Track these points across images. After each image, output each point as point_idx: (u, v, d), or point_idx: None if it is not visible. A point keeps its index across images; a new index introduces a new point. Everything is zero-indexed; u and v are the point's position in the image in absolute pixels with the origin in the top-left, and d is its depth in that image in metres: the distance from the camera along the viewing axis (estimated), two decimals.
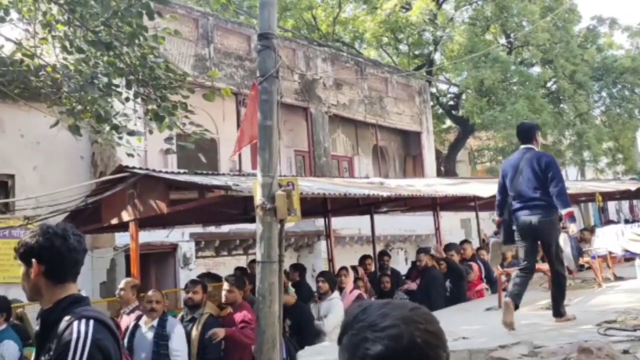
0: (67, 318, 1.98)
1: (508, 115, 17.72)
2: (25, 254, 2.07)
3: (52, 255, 2.06)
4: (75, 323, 1.95)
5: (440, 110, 24.03)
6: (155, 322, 5.25)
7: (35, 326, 2.18)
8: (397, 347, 1.02)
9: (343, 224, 13.60)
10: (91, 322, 1.97)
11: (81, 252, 2.15)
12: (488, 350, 4.10)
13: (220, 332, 5.36)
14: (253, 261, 8.22)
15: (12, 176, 10.04)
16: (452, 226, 17.61)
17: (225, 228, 12.19)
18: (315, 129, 15.61)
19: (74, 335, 1.92)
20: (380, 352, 1.03)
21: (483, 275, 8.59)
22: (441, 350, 1.06)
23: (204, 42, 13.25)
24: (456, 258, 8.20)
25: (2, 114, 9.89)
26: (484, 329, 5.28)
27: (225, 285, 5.74)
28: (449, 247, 8.78)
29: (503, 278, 7.11)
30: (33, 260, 2.04)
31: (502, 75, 18.77)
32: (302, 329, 5.92)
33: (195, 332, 5.48)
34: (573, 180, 20.44)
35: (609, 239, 8.52)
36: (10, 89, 8.18)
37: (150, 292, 5.53)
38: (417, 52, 23.09)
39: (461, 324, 5.46)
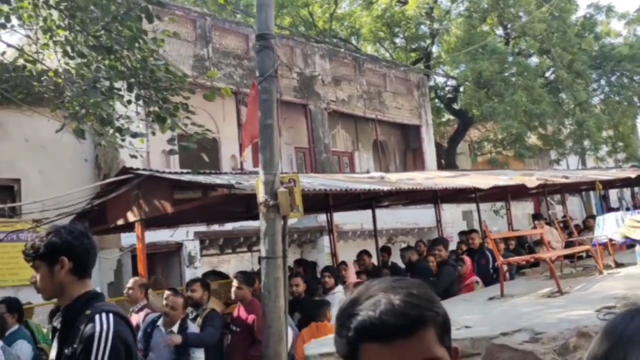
0: (87, 312, 2.10)
1: (507, 106, 17.79)
2: (51, 252, 2.15)
3: (81, 252, 2.19)
4: (97, 317, 2.07)
5: (439, 104, 24.09)
6: (175, 328, 5.22)
7: (54, 323, 2.29)
8: (375, 314, 1.02)
9: (345, 219, 13.71)
10: (111, 315, 2.10)
11: (96, 249, 2.30)
12: (490, 337, 4.20)
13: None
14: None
15: (17, 180, 10.16)
16: (454, 218, 17.72)
17: (229, 226, 12.30)
18: (315, 125, 15.70)
19: (97, 328, 2.04)
20: (359, 323, 1.02)
21: (490, 265, 8.59)
22: (426, 310, 1.05)
23: (202, 43, 13.34)
24: (444, 254, 7.99)
25: (6, 120, 10.01)
26: (486, 318, 5.38)
27: (235, 282, 5.84)
28: (436, 242, 8.59)
29: (504, 268, 7.19)
30: (63, 257, 2.15)
31: (500, 67, 18.83)
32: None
33: (197, 325, 5.57)
34: (574, 170, 20.52)
35: (609, 227, 8.61)
36: (13, 94, 8.28)
37: (170, 297, 5.30)
38: (414, 46, 23.14)
39: (463, 313, 5.56)
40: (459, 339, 4.25)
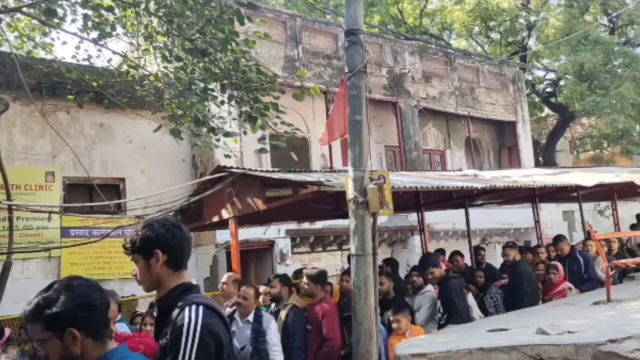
0: (179, 305, 2.12)
1: (612, 99, 16.67)
2: (146, 245, 2.20)
3: (174, 245, 2.22)
4: (187, 309, 2.07)
5: (537, 99, 23.01)
6: (251, 317, 5.33)
7: (154, 314, 2.35)
8: None
9: (437, 219, 13.40)
10: (201, 308, 2.09)
11: (191, 241, 2.33)
12: (596, 344, 3.91)
13: None
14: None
15: (123, 180, 10.84)
16: (554, 219, 16.84)
17: (320, 224, 12.39)
18: (405, 123, 15.49)
19: (186, 321, 2.03)
20: None
21: (583, 271, 7.99)
22: None
23: (292, 44, 13.54)
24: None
25: (112, 123, 10.69)
26: (591, 323, 5.02)
27: (304, 279, 5.99)
28: (424, 261, 7.13)
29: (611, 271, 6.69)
30: (157, 250, 2.19)
31: (604, 58, 17.66)
32: None
33: (280, 322, 5.65)
34: None
35: None
36: (118, 99, 8.82)
37: (243, 288, 5.59)
38: (510, 40, 22.27)
39: (566, 318, 5.23)
40: (561, 345, 3.99)
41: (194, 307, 2.09)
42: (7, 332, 5.82)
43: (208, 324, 2.07)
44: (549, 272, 7.55)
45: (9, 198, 7.94)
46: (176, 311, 2.11)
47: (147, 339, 1.98)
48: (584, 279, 7.85)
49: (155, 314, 2.35)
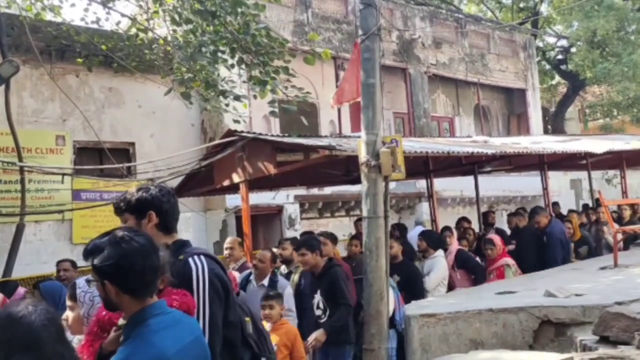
0: (180, 257, 2.24)
1: (624, 67, 16.47)
2: (141, 206, 2.28)
3: (167, 209, 2.32)
4: (190, 259, 2.22)
5: (548, 66, 22.75)
6: (265, 282, 5.36)
7: None
8: None
9: (444, 186, 13.43)
10: (202, 256, 2.25)
11: (179, 209, 2.43)
12: (603, 306, 3.97)
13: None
14: (359, 219, 8.38)
15: (132, 144, 10.87)
16: (561, 187, 16.83)
17: (328, 190, 12.45)
18: (414, 89, 15.38)
19: (193, 269, 2.19)
20: None
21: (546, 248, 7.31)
22: None
23: (302, 8, 13.37)
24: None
25: (121, 87, 10.66)
26: (598, 287, 5.10)
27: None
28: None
29: (619, 236, 6.73)
30: (151, 212, 2.28)
31: (617, 24, 17.37)
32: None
33: (292, 284, 5.68)
34: None
35: None
36: (127, 62, 8.78)
37: (260, 251, 5.70)
38: (521, 5, 21.90)
39: (572, 282, 5.31)
40: (568, 307, 4.06)
41: (196, 257, 2.24)
42: (22, 290, 5.92)
43: (213, 269, 2.23)
44: (486, 246, 6.79)
45: (20, 160, 8.01)
46: (178, 264, 2.21)
47: (186, 297, 2.07)
48: (542, 257, 7.17)
49: None
